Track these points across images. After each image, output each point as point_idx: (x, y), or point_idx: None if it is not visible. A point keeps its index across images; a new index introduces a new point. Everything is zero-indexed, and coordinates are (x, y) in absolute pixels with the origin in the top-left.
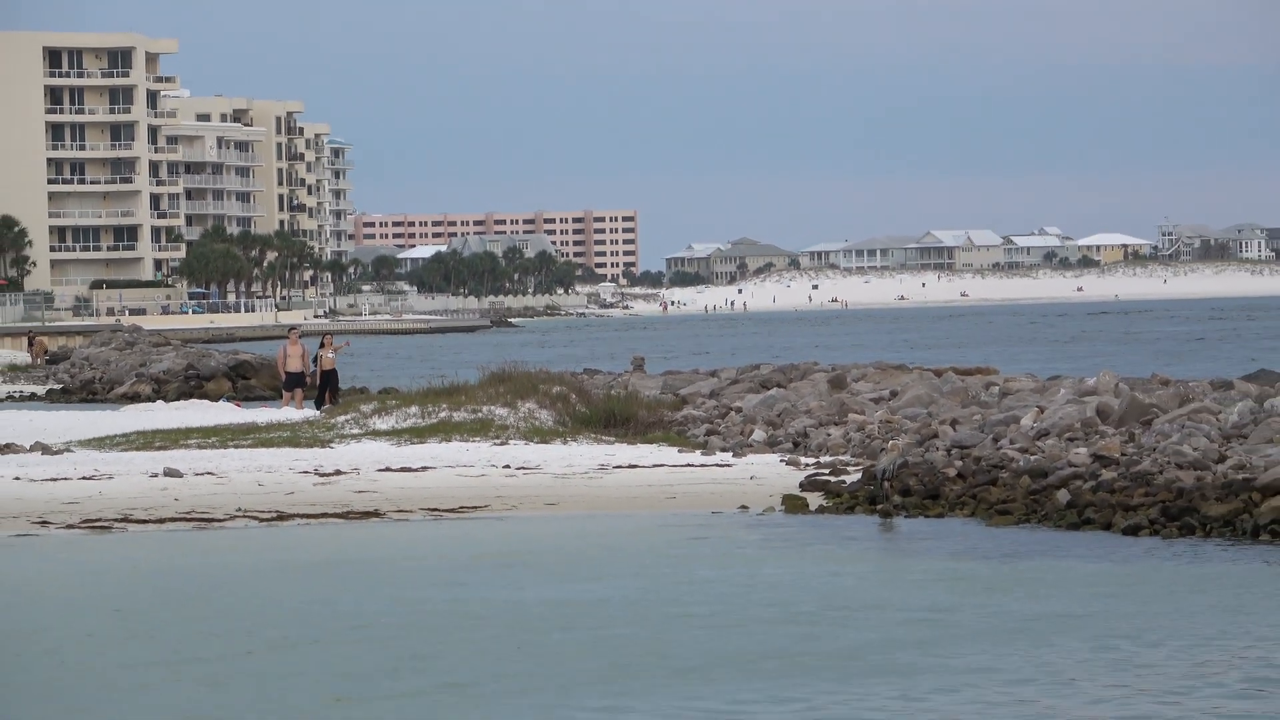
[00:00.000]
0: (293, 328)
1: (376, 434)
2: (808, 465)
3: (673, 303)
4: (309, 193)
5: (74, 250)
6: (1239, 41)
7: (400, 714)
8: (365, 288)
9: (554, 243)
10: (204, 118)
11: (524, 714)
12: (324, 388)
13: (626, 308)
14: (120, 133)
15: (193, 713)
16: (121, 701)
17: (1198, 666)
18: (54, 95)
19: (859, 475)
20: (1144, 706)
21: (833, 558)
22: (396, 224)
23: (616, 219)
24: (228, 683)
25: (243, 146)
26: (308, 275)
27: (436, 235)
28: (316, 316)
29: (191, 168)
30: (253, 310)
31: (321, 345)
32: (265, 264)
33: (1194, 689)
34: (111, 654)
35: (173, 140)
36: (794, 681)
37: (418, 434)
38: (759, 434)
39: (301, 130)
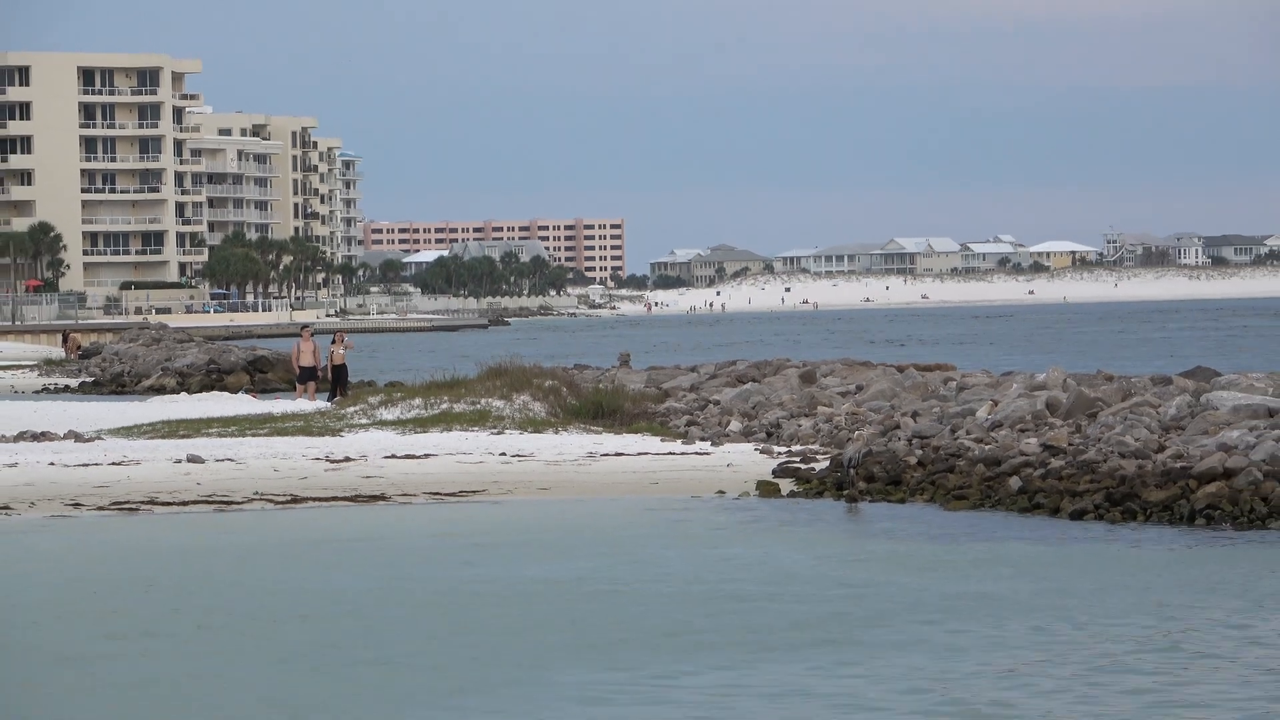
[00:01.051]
0: (305, 326)
1: (383, 424)
2: (780, 454)
3: (656, 304)
4: (321, 201)
5: (105, 254)
6: (1176, 66)
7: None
8: (373, 289)
9: (547, 248)
10: (225, 132)
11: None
12: (335, 381)
13: (614, 308)
14: (148, 146)
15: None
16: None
17: (1102, 642)
18: (87, 111)
19: (827, 463)
20: (1039, 681)
21: (800, 539)
22: (402, 230)
23: (605, 226)
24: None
25: (261, 159)
26: (320, 278)
27: (439, 241)
28: (328, 316)
29: (214, 178)
30: (269, 310)
31: (333, 342)
32: (281, 267)
33: (1091, 663)
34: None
35: (196, 153)
36: (733, 654)
37: (421, 424)
38: (735, 425)
39: (315, 144)
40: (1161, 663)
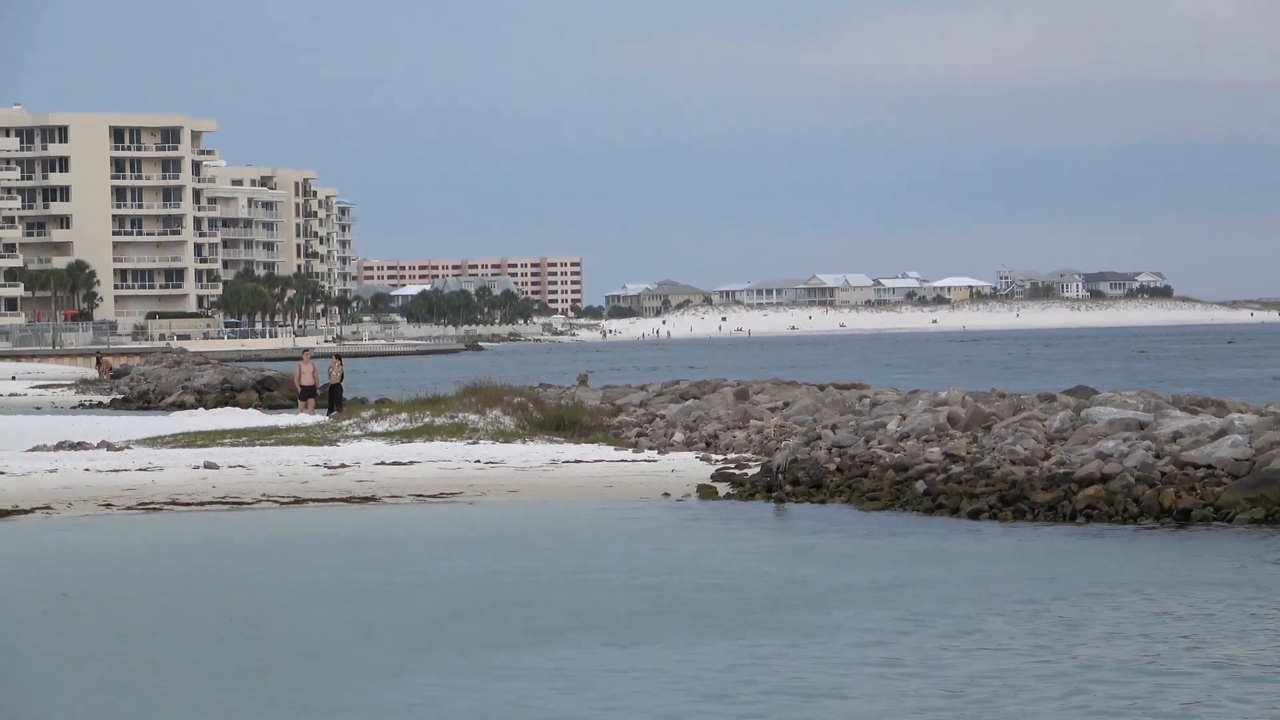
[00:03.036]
0: (305, 350)
1: (374, 435)
2: (717, 461)
3: (610, 331)
4: (320, 242)
5: (133, 288)
6: (1058, 128)
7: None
8: (365, 318)
9: (516, 283)
10: (237, 183)
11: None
12: (332, 398)
13: (574, 335)
14: (170, 195)
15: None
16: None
17: (969, 627)
18: (118, 165)
19: (758, 469)
20: (901, 661)
21: (732, 535)
22: (391, 267)
23: (566, 264)
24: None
25: (268, 206)
26: (319, 308)
27: (423, 276)
28: (326, 342)
29: (227, 223)
30: (275, 336)
31: (331, 365)
32: (286, 299)
33: (952, 644)
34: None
35: (212, 201)
36: (648, 635)
37: (407, 435)
38: (679, 436)
39: (315, 193)
40: (1032, 644)
